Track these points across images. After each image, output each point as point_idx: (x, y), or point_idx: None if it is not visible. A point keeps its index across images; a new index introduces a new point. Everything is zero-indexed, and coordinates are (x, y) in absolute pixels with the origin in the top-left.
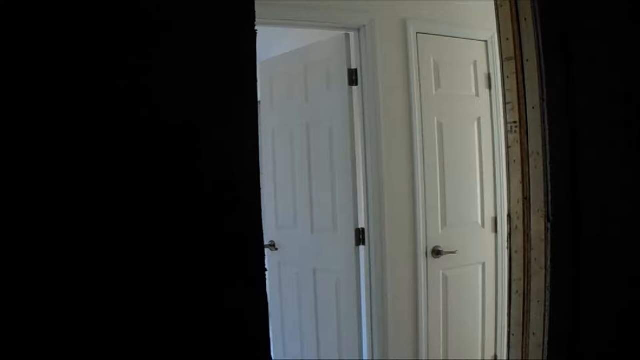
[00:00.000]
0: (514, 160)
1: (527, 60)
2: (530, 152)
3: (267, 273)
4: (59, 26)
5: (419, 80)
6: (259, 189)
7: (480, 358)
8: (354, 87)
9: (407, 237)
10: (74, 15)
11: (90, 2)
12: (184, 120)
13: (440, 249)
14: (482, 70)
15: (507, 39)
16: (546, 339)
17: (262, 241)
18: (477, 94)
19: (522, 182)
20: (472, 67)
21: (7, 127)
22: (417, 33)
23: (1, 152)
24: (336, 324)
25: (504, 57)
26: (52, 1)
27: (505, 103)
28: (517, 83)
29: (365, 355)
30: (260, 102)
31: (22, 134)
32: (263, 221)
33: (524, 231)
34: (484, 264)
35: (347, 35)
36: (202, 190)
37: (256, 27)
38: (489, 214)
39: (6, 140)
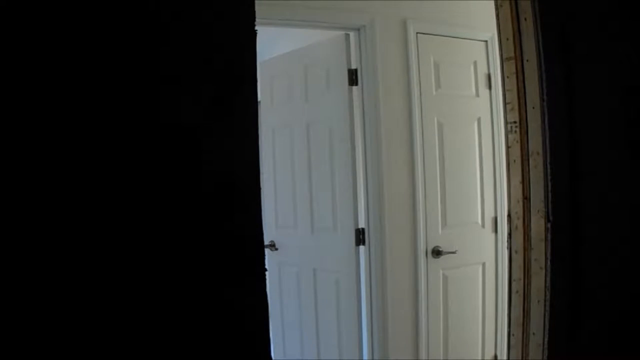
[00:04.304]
0: (514, 160)
1: (527, 60)
2: (530, 152)
3: (267, 273)
4: (67, 24)
5: (419, 80)
6: (259, 189)
7: (480, 358)
8: (354, 87)
9: (407, 237)
10: (76, 16)
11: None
12: (184, 120)
13: (440, 249)
14: (482, 70)
15: (507, 39)
16: (546, 339)
17: (262, 241)
18: (477, 94)
19: (522, 182)
20: (472, 67)
21: (8, 127)
22: (417, 33)
23: (5, 152)
24: (336, 324)
25: (504, 57)
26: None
27: (505, 103)
28: (517, 83)
29: (365, 355)
30: (260, 102)
31: (22, 133)
32: (263, 221)
33: (524, 231)
34: (484, 264)
35: (347, 35)
36: (202, 190)
37: (256, 27)
38: (489, 214)
39: (8, 140)
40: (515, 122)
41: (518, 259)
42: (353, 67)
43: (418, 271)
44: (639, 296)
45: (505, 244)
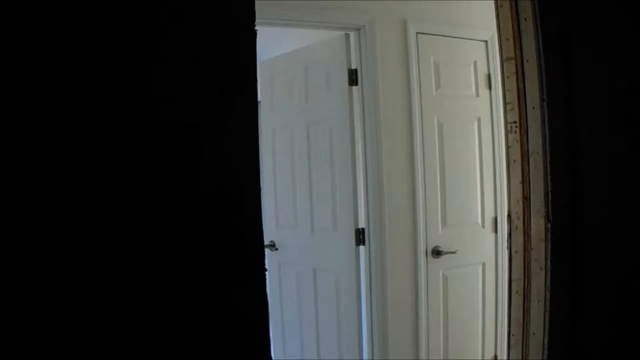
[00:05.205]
0: (514, 160)
1: (527, 60)
2: (530, 152)
3: (267, 273)
4: (66, 23)
5: (419, 80)
6: (259, 189)
7: (480, 358)
8: (354, 87)
9: (407, 237)
10: (76, 15)
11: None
12: (184, 120)
13: (440, 249)
14: (482, 70)
15: (507, 39)
16: (546, 339)
17: (262, 241)
18: (477, 94)
19: (522, 182)
20: (472, 67)
21: (6, 128)
22: (417, 33)
23: (6, 152)
24: (336, 324)
25: (504, 57)
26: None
27: (505, 103)
28: (517, 83)
29: (365, 355)
30: (260, 102)
31: (22, 134)
32: (263, 221)
33: (524, 231)
34: (484, 264)
35: (347, 35)
36: (202, 190)
37: (256, 27)
38: (489, 214)
39: (6, 141)
40: (515, 122)
41: (518, 259)
42: (353, 67)
43: (418, 271)
44: (639, 297)
45: (505, 244)
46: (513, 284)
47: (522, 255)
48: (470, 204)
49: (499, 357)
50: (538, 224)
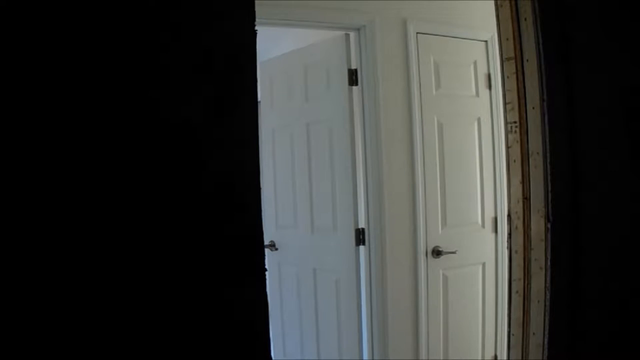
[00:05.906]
0: (514, 160)
1: (527, 60)
2: (530, 152)
3: (267, 273)
4: (67, 22)
5: (419, 80)
6: (259, 189)
7: (480, 358)
8: (354, 87)
9: (407, 237)
10: (79, 15)
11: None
12: (184, 120)
13: (440, 249)
14: (482, 70)
15: (507, 39)
16: (546, 339)
17: (262, 241)
18: (477, 94)
19: (522, 182)
20: (472, 67)
21: (6, 128)
22: (417, 33)
23: (6, 151)
24: (336, 324)
25: (504, 57)
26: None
27: (505, 103)
28: (517, 83)
29: (365, 355)
30: (260, 102)
31: (20, 133)
32: (263, 221)
33: (524, 231)
34: (484, 264)
35: (347, 35)
36: (202, 190)
37: (256, 27)
38: (489, 214)
39: (4, 138)
40: (515, 122)
41: (518, 259)
42: (353, 67)
43: (418, 271)
44: (639, 296)
45: (505, 244)
46: (513, 284)
47: (522, 255)
48: (470, 204)
49: (499, 357)
50: (538, 224)
